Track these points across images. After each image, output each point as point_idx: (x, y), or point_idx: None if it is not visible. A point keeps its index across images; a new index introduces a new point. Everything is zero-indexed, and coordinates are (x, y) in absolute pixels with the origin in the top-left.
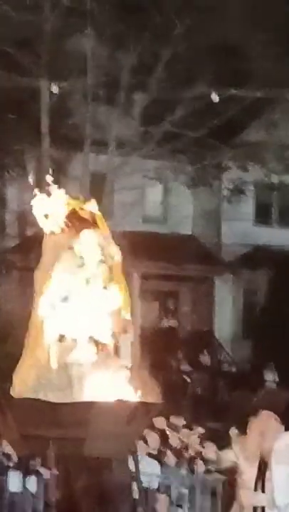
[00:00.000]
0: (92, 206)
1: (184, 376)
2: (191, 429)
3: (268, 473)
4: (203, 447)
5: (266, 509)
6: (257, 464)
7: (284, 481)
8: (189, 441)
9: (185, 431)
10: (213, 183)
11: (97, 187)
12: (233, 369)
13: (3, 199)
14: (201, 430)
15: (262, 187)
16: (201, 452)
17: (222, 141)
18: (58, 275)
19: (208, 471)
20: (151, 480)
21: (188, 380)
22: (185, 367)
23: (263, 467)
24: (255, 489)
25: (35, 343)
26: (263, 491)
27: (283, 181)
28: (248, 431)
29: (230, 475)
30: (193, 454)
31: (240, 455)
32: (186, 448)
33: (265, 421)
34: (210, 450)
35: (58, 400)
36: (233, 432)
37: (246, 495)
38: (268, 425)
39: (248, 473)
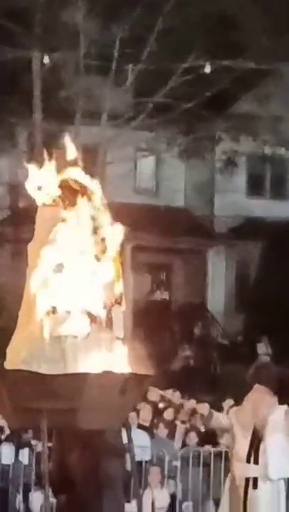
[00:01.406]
0: (84, 177)
1: (177, 348)
2: (183, 402)
3: (261, 446)
4: (196, 413)
5: (259, 481)
6: (250, 436)
7: (277, 454)
8: (182, 412)
9: (177, 403)
10: (206, 155)
11: (89, 159)
12: (226, 342)
13: None
14: (193, 402)
15: (255, 159)
16: (193, 424)
17: (215, 113)
18: (50, 247)
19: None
20: (143, 452)
21: (181, 352)
22: (177, 339)
23: (256, 440)
24: (248, 462)
25: (28, 316)
26: (256, 464)
27: (276, 153)
28: (242, 404)
29: (223, 447)
30: (186, 426)
31: (234, 424)
32: (179, 420)
33: (258, 395)
34: (203, 407)
35: (51, 371)
36: (228, 403)
37: (239, 467)
38: (261, 399)
39: (241, 446)
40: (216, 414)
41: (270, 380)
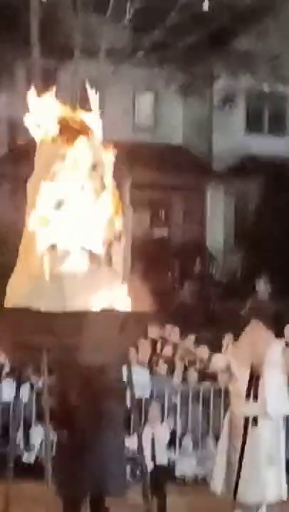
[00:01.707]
0: (83, 115)
1: (176, 285)
2: (183, 338)
3: (260, 382)
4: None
5: (259, 418)
6: (248, 373)
7: (276, 390)
8: (181, 349)
9: (177, 339)
10: (204, 92)
11: (87, 96)
12: (225, 278)
13: None
14: (192, 338)
15: (253, 96)
16: (193, 361)
17: (213, 50)
18: (49, 185)
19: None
20: (143, 389)
21: (180, 289)
22: (176, 276)
23: (254, 376)
24: (247, 398)
25: (28, 254)
26: (255, 400)
27: (274, 90)
28: (239, 340)
29: (222, 384)
30: (185, 362)
31: (232, 362)
32: (179, 357)
33: (255, 330)
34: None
35: (51, 309)
36: (227, 339)
37: (238, 404)
38: (258, 335)
39: (240, 382)
40: (215, 356)
41: (267, 315)
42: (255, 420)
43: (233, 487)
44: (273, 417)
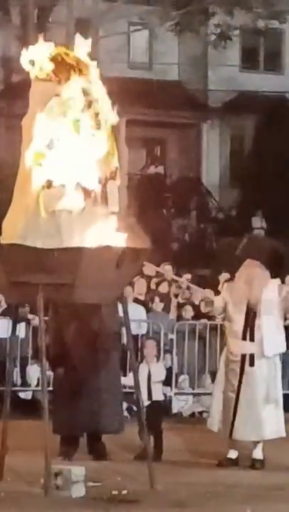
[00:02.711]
0: (78, 52)
1: (172, 223)
2: (179, 276)
3: (256, 322)
4: (191, 292)
5: (255, 357)
6: (244, 312)
7: (272, 330)
8: (177, 286)
9: (173, 277)
10: (199, 29)
11: (82, 33)
12: (221, 216)
13: None
14: (188, 276)
15: (248, 32)
16: (189, 298)
17: None
18: (44, 122)
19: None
20: (139, 326)
21: (176, 226)
22: (172, 214)
23: (251, 316)
24: (244, 339)
25: (24, 190)
26: (252, 340)
27: (269, 26)
28: (235, 279)
29: (219, 320)
30: (181, 300)
31: (228, 302)
32: (174, 294)
33: (250, 269)
34: (198, 294)
35: (47, 246)
36: (224, 276)
37: (235, 343)
38: (254, 273)
39: (236, 323)
40: (215, 300)
41: (262, 253)
42: (251, 359)
43: (230, 426)
44: (270, 358)
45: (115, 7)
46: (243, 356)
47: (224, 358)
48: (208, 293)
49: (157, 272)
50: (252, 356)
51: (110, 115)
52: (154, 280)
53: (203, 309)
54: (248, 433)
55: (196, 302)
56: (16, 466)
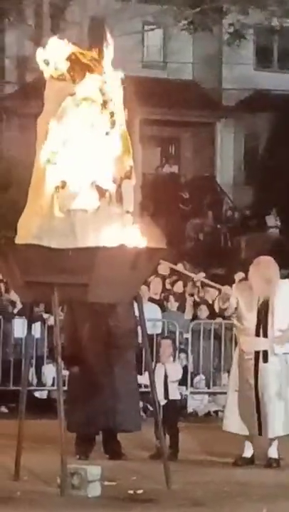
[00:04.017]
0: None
1: (186, 222)
2: (194, 275)
3: (269, 319)
4: (206, 291)
5: (269, 354)
6: (255, 310)
7: (284, 327)
8: (192, 286)
9: (188, 273)
10: (214, 28)
11: (96, 32)
12: (235, 214)
13: (2, 45)
14: (202, 275)
15: (262, 30)
16: (203, 297)
17: None
18: (59, 121)
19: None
20: (154, 325)
21: (191, 225)
22: (187, 213)
23: (263, 313)
24: (257, 335)
25: (39, 191)
26: (265, 337)
27: (284, 24)
28: (249, 277)
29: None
30: (197, 298)
31: (239, 300)
32: (189, 293)
33: (263, 265)
34: (212, 293)
35: (61, 246)
36: (239, 275)
37: (247, 341)
38: (267, 269)
39: (248, 321)
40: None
41: (275, 251)
42: (265, 355)
43: (247, 423)
44: (281, 356)
45: (129, 6)
46: (257, 353)
47: (236, 358)
48: (227, 289)
49: (172, 269)
50: (265, 352)
51: (123, 115)
52: (169, 280)
53: (221, 305)
54: (266, 430)
55: (210, 301)
56: (32, 466)
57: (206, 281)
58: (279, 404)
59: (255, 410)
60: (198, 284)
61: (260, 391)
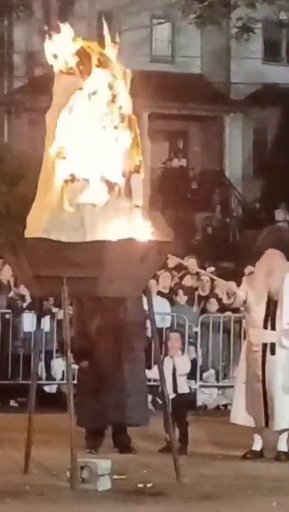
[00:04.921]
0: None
1: (195, 216)
2: (203, 269)
3: (277, 312)
4: (215, 285)
5: (276, 346)
6: (264, 303)
7: None
8: (201, 279)
9: (197, 269)
10: (222, 22)
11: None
12: (244, 208)
13: (10, 40)
14: (211, 269)
15: (270, 24)
16: (210, 291)
17: None
18: (68, 116)
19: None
20: (163, 319)
21: (200, 219)
22: (196, 206)
23: (271, 306)
24: (265, 328)
25: (48, 185)
26: (273, 329)
27: None
28: (255, 269)
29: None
30: (202, 293)
31: (248, 293)
32: (198, 287)
33: (271, 259)
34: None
35: (71, 240)
36: (248, 269)
37: (255, 333)
38: (275, 263)
39: (256, 313)
40: (237, 292)
41: (283, 244)
42: (272, 347)
43: (255, 416)
44: (287, 347)
45: (137, 0)
46: (264, 345)
47: (244, 349)
48: (232, 285)
49: (180, 264)
50: (273, 345)
51: (131, 109)
52: (178, 273)
53: (226, 300)
54: (275, 423)
55: (220, 295)
56: (42, 460)
57: (213, 276)
58: (285, 397)
59: (262, 402)
60: (205, 278)
61: (267, 383)
